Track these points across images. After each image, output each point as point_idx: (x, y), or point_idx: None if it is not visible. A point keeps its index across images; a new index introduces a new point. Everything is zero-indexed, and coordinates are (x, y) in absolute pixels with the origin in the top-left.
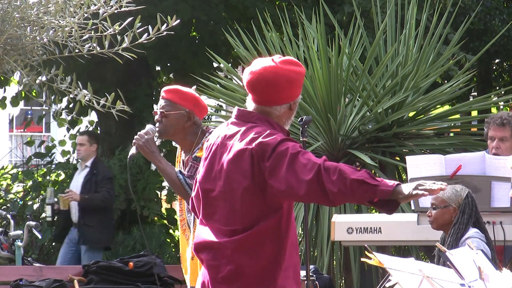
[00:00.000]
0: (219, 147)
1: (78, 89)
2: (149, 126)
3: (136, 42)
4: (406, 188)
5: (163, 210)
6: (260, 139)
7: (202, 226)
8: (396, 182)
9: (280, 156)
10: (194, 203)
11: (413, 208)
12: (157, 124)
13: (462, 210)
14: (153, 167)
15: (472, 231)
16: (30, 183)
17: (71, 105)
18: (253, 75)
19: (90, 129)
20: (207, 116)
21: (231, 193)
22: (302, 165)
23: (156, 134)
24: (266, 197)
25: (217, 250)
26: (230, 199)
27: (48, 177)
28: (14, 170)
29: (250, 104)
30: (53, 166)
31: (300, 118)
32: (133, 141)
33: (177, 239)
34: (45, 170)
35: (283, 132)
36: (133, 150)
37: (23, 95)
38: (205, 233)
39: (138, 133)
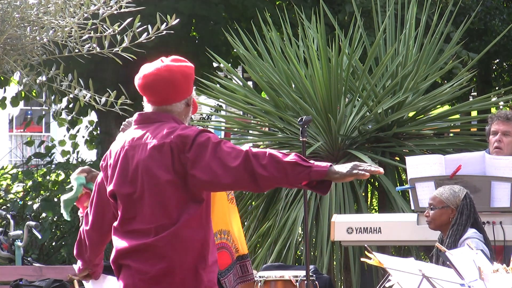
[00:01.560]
0: (128, 150)
1: (79, 88)
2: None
3: (135, 42)
4: (343, 168)
5: None
6: (178, 132)
7: (117, 237)
8: (329, 164)
9: (201, 146)
10: (94, 215)
11: (413, 208)
12: None
13: (460, 211)
14: None
15: (471, 232)
16: (30, 183)
17: (71, 105)
18: (148, 77)
19: (90, 129)
20: (207, 116)
21: (153, 188)
22: (226, 153)
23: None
24: (188, 189)
25: (145, 251)
26: (154, 195)
27: (48, 177)
28: (14, 170)
29: (148, 107)
30: (53, 166)
31: (300, 118)
32: (121, 127)
33: None
34: (45, 170)
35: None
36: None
37: (23, 95)
38: (124, 242)
39: (127, 119)
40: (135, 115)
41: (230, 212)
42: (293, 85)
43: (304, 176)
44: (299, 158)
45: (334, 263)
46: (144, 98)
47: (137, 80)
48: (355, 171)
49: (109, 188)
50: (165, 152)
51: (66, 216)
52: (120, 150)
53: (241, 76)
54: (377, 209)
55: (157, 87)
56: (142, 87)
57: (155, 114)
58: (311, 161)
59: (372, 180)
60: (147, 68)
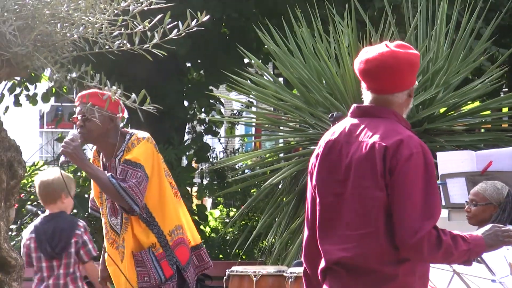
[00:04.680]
0: (344, 147)
1: (107, 86)
2: (72, 132)
3: (166, 38)
4: (491, 240)
5: (194, 206)
6: (398, 138)
7: (321, 240)
8: (481, 238)
9: (404, 174)
10: (308, 213)
11: (443, 204)
12: (79, 130)
13: (503, 208)
14: (184, 163)
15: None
16: None
17: None
18: (370, 62)
19: (121, 125)
20: (237, 112)
21: (362, 192)
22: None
23: (80, 139)
24: None
25: (348, 264)
26: (361, 200)
27: (78, 173)
28: (45, 167)
29: (366, 95)
30: None
31: (330, 114)
32: (61, 149)
33: (207, 234)
34: (75, 166)
35: (407, 126)
36: (62, 158)
37: (53, 91)
38: (330, 248)
39: (64, 140)
40: (352, 107)
41: (177, 206)
42: (324, 82)
43: (464, 258)
44: (459, 239)
45: None
46: (363, 85)
47: (358, 64)
48: (505, 240)
49: (313, 182)
50: (377, 156)
51: None
52: (333, 144)
53: (271, 72)
54: None
55: (380, 74)
56: (363, 73)
57: (375, 109)
58: (466, 241)
59: None
60: (369, 52)
